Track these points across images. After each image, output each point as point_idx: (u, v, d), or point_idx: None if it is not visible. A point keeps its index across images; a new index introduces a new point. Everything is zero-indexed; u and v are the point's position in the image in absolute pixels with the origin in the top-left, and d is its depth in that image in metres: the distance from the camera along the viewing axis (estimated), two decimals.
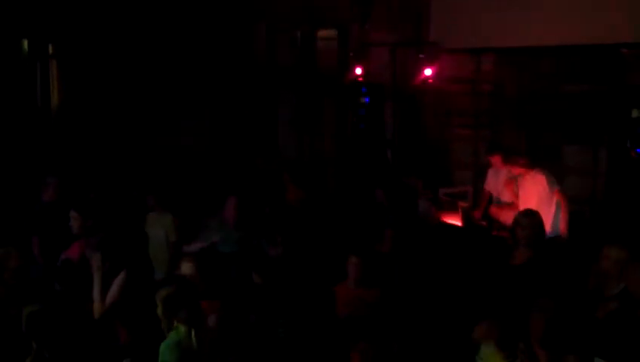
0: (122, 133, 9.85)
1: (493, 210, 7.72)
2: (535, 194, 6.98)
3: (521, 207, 6.62)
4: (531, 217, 5.43)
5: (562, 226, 6.80)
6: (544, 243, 5.46)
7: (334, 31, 10.32)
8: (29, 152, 9.10)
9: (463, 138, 9.42)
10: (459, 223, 7.67)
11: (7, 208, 7.55)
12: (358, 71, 9.43)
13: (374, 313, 5.14)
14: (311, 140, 10.41)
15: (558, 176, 7.25)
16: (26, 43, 9.76)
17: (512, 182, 7.35)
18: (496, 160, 7.79)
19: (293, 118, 10.50)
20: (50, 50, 10.02)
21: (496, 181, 7.88)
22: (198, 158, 9.69)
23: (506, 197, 7.56)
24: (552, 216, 6.79)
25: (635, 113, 7.42)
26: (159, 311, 4.15)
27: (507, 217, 6.85)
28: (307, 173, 9.22)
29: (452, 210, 7.86)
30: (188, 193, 7.97)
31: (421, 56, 9.07)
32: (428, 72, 8.87)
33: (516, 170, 7.22)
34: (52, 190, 6.84)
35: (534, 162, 7.18)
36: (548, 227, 6.22)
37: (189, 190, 8.25)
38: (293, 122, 10.49)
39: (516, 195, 7.26)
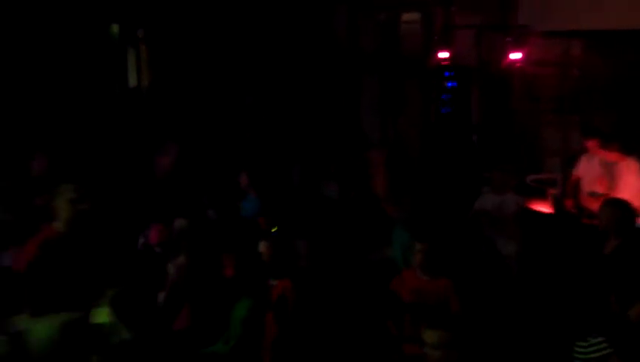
0: (209, 115, 10.04)
1: (585, 199, 7.46)
2: (629, 183, 6.77)
3: (615, 196, 6.44)
4: (613, 206, 5.34)
5: None
6: (633, 232, 5.32)
7: (418, 14, 10.21)
8: (123, 133, 9.38)
9: (552, 123, 9.19)
10: (548, 210, 7.52)
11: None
12: (443, 54, 9.29)
13: (442, 303, 5.01)
14: (394, 126, 10.36)
15: None
16: (116, 28, 10.05)
17: (605, 171, 7.10)
18: (592, 144, 7.39)
19: (376, 103, 10.47)
20: (140, 35, 10.30)
21: (588, 168, 7.57)
22: (282, 142, 9.79)
23: (599, 187, 7.29)
24: None
25: None
26: None
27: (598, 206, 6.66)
28: (392, 158, 9.19)
29: (540, 197, 7.71)
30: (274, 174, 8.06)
31: (508, 39, 8.87)
32: (516, 55, 8.67)
33: (611, 157, 6.98)
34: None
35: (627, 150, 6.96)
36: None
37: (276, 172, 8.34)
38: (376, 107, 10.46)
39: (609, 185, 7.02)
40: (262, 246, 5.06)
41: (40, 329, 4.00)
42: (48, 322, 4.02)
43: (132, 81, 10.28)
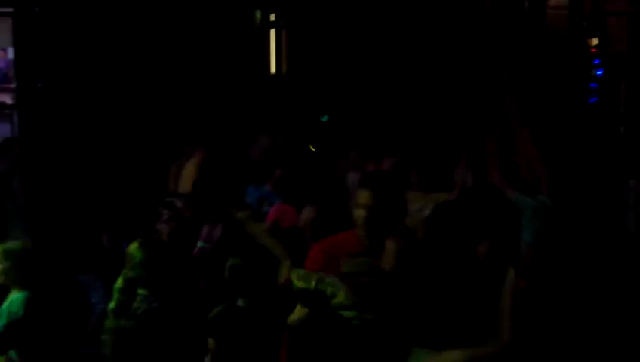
0: (347, 101, 10.07)
1: None
2: None
3: None
4: None
5: None
6: None
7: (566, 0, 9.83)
8: (262, 118, 9.60)
9: None
10: None
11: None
12: (592, 41, 8.90)
13: None
14: (538, 114, 9.99)
15: None
16: (259, 14, 10.30)
17: None
18: None
19: (519, 92, 10.14)
20: (280, 21, 10.49)
21: None
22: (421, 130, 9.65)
23: None
24: None
25: None
26: None
27: None
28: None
29: None
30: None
31: None
32: None
33: None
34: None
35: None
36: None
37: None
38: (520, 96, 10.12)
39: None
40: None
41: None
42: None
43: (272, 67, 10.48)
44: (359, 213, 3.33)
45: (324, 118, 7.30)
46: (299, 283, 3.07)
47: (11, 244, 4.21)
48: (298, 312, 3.11)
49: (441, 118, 9.87)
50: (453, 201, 4.64)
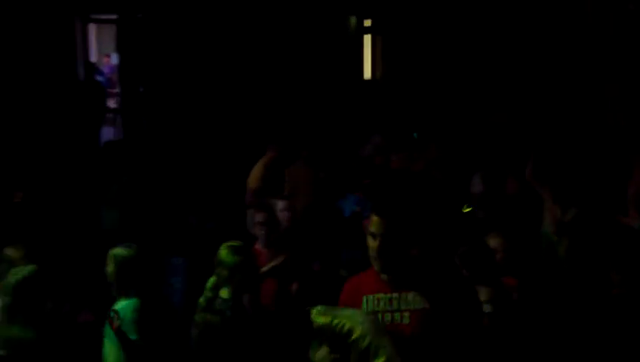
0: (440, 106, 9.96)
1: None
2: None
3: None
4: None
5: None
6: None
7: None
8: (359, 121, 9.62)
9: None
10: None
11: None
12: None
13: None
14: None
15: None
16: (354, 20, 10.32)
17: None
18: None
19: (621, 97, 9.73)
20: (374, 26, 10.48)
21: None
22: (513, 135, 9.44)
23: None
24: None
25: None
26: None
27: None
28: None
29: None
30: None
31: None
32: None
33: None
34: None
35: None
36: None
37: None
38: (622, 102, 9.72)
39: None
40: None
41: None
42: None
43: (367, 73, 10.48)
44: (370, 243, 2.97)
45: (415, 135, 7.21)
46: (318, 319, 2.89)
47: (121, 250, 4.18)
48: (321, 350, 2.89)
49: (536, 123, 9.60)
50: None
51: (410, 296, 2.92)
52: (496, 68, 9.94)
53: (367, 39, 10.54)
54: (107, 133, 9.70)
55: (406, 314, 2.91)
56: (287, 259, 5.38)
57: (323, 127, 9.17)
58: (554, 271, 5.34)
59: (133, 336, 3.95)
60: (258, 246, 5.37)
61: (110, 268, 4.10)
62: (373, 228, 2.94)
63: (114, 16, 9.26)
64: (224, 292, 3.90)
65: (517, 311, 4.54)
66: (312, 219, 6.30)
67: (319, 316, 2.89)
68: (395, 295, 2.95)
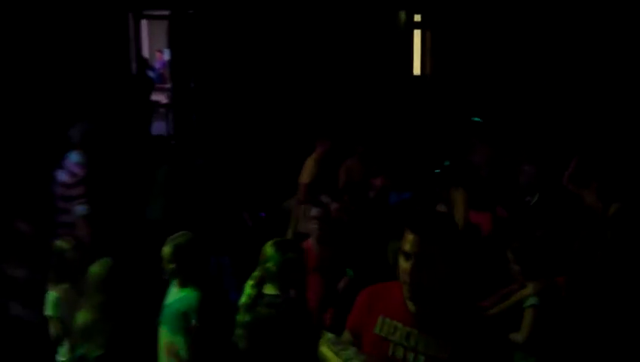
0: (492, 103, 9.83)
1: None
2: None
3: None
4: None
5: None
6: None
7: None
8: (404, 117, 9.57)
9: None
10: None
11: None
12: None
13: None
14: None
15: None
16: (403, 15, 10.25)
17: None
18: None
19: None
20: (424, 21, 10.39)
21: None
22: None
23: None
24: None
25: None
26: None
27: None
28: None
29: None
30: None
31: None
32: None
33: None
34: None
35: None
36: None
37: None
38: None
39: None
40: None
41: None
42: None
43: (416, 69, 10.41)
44: (402, 265, 2.58)
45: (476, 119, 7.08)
46: (324, 352, 2.76)
47: (180, 237, 4.19)
48: None
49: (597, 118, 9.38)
50: None
51: (432, 338, 2.60)
52: (546, 63, 9.78)
53: (417, 34, 10.46)
54: (158, 127, 9.84)
55: (421, 357, 2.60)
56: (336, 255, 5.38)
57: (373, 123, 9.15)
58: (600, 266, 5.29)
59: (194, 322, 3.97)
60: (309, 241, 5.39)
61: (168, 255, 4.13)
62: (407, 247, 2.57)
63: (166, 13, 9.36)
64: (270, 289, 3.88)
65: (564, 307, 4.50)
66: (365, 215, 6.31)
67: (324, 345, 2.79)
68: (415, 331, 2.64)
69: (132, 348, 3.97)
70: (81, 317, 4.00)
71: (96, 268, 4.02)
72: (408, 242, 2.55)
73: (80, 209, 5.56)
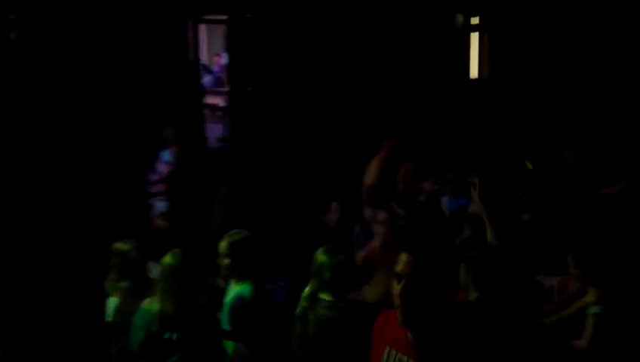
0: (550, 108, 9.67)
1: None
2: None
3: None
4: None
5: None
6: None
7: None
8: (459, 120, 9.49)
9: None
10: None
11: None
12: None
13: None
14: None
15: None
16: (461, 18, 10.18)
17: None
18: None
19: None
20: (481, 24, 10.30)
21: None
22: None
23: None
24: None
25: None
26: None
27: None
28: None
29: None
30: None
31: None
32: None
33: None
34: None
35: None
36: None
37: None
38: None
39: None
40: None
41: None
42: None
43: (473, 72, 10.32)
44: (394, 287, 2.37)
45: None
46: None
47: (235, 234, 4.25)
48: None
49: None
50: None
51: None
52: (605, 66, 9.56)
53: (474, 37, 10.38)
54: (216, 130, 9.92)
55: None
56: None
57: (429, 127, 9.11)
58: None
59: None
60: (374, 244, 5.37)
61: (224, 250, 4.19)
62: (398, 268, 2.36)
63: (224, 17, 9.46)
64: (325, 296, 3.91)
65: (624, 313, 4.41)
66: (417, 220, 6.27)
67: None
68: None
69: (205, 334, 4.04)
70: (151, 306, 4.08)
71: (168, 259, 4.09)
72: (401, 262, 2.35)
73: (160, 206, 5.76)
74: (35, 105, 7.24)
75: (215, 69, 12.72)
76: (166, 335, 3.92)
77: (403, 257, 2.36)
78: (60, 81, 7.47)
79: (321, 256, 3.97)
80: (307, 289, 4.00)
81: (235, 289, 4.17)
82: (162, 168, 5.96)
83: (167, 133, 6.12)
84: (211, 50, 13.39)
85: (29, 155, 7.09)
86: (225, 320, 4.14)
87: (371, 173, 6.81)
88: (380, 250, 5.33)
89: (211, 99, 10.89)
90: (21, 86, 7.22)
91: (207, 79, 11.58)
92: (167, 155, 6.03)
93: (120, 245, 4.64)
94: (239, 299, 4.07)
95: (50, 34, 7.45)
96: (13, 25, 7.38)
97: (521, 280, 4.86)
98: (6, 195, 6.82)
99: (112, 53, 7.89)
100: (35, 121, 7.19)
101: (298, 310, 3.98)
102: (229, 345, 4.11)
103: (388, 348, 2.51)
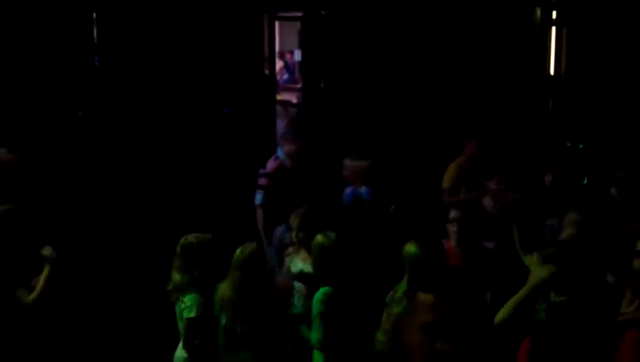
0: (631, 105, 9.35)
1: None
2: None
3: None
4: None
5: None
6: None
7: None
8: (541, 118, 9.26)
9: None
10: None
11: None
12: None
13: None
14: None
15: None
16: (538, 11, 9.94)
17: None
18: None
19: None
20: (559, 18, 10.03)
21: None
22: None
23: None
24: None
25: None
26: None
27: None
28: None
29: None
30: None
31: None
32: None
33: None
34: None
35: None
36: None
37: None
38: None
39: None
40: None
41: None
42: None
43: (551, 68, 10.06)
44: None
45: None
46: None
47: (321, 238, 4.32)
48: None
49: None
50: None
51: None
52: None
53: (554, 32, 10.10)
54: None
55: None
56: (479, 260, 5.24)
57: (506, 123, 8.94)
58: None
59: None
60: (449, 244, 5.32)
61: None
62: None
63: (298, 14, 9.49)
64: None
65: None
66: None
67: None
68: None
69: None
70: (224, 291, 4.32)
71: (240, 251, 4.29)
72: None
73: (258, 197, 5.92)
74: (119, 102, 7.41)
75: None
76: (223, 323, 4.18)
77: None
78: (141, 78, 7.63)
79: (411, 248, 4.09)
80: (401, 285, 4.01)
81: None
82: (271, 164, 6.14)
83: (286, 129, 6.34)
84: (283, 46, 13.48)
85: (115, 151, 7.26)
86: None
87: (447, 176, 6.68)
88: (455, 249, 5.28)
89: (284, 96, 10.98)
90: (103, 84, 7.41)
91: (283, 76, 11.69)
92: (279, 151, 6.19)
93: (186, 237, 4.64)
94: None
95: (131, 32, 7.61)
96: (95, 23, 7.58)
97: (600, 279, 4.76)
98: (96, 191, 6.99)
99: (190, 50, 8.01)
100: (119, 117, 7.37)
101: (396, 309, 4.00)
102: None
103: None
